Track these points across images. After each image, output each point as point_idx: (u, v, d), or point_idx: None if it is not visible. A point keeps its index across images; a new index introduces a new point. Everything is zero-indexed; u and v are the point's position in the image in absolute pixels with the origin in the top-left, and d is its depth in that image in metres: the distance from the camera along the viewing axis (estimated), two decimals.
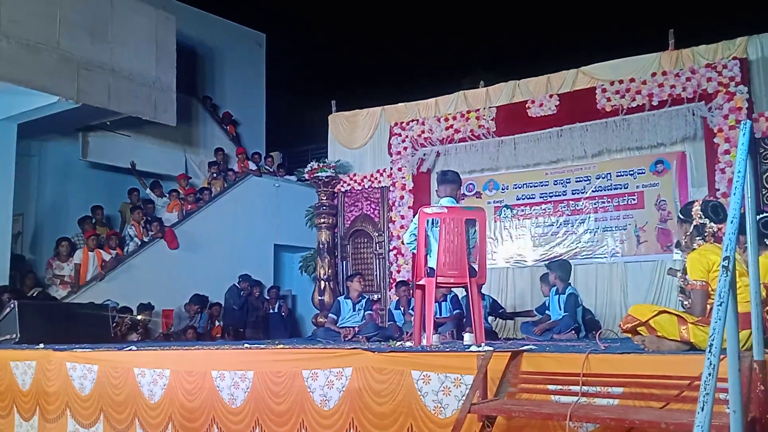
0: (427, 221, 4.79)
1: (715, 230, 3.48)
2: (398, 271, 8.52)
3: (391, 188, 8.84)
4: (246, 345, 5.37)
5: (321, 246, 9.11)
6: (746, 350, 2.44)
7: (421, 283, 4.82)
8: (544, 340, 5.96)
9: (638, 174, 7.64)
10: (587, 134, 7.71)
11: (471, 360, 3.36)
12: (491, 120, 8.15)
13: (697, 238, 3.51)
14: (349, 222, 9.26)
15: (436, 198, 5.64)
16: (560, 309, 6.56)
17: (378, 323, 7.73)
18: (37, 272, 9.06)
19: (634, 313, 3.46)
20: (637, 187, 7.62)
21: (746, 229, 2.31)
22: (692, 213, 3.56)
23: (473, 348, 3.85)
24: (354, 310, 7.54)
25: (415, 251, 4.94)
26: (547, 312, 6.79)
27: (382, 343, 5.98)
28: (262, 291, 10.39)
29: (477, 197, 8.55)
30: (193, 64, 12.70)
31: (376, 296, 8.67)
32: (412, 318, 5.42)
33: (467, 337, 5.04)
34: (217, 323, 9.69)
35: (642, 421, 2.56)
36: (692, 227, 3.55)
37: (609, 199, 7.77)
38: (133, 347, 5.49)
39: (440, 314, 6.85)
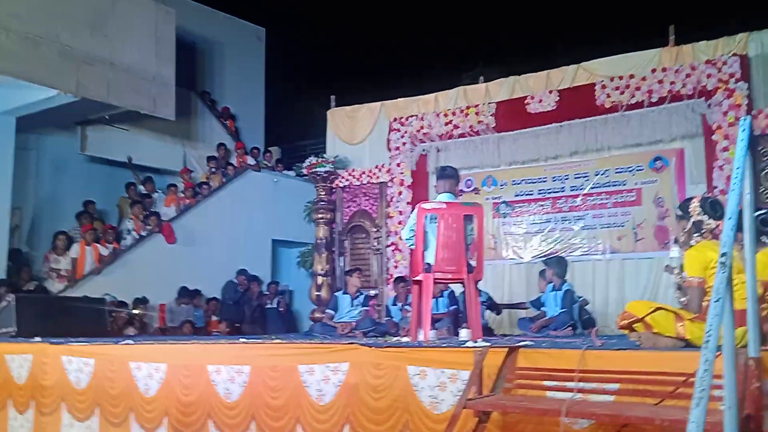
0: (426, 217, 4.78)
1: (713, 227, 3.46)
2: (396, 267, 8.52)
3: (390, 184, 8.82)
4: (242, 340, 5.35)
5: (319, 241, 9.10)
6: (742, 347, 2.43)
7: (418, 278, 4.81)
8: (541, 337, 5.95)
9: (637, 171, 7.63)
10: (586, 130, 7.72)
11: (467, 356, 3.35)
12: (491, 116, 8.14)
13: (695, 234, 3.49)
14: (347, 217, 9.25)
15: (434, 194, 5.63)
16: (556, 305, 6.56)
17: (375, 319, 7.73)
18: (34, 266, 9.05)
19: (631, 310, 3.45)
20: (636, 183, 7.62)
21: (744, 226, 2.29)
22: (690, 209, 3.54)
23: (469, 344, 3.84)
24: (352, 306, 7.52)
25: (413, 247, 4.93)
26: (543, 308, 6.79)
27: (379, 338, 5.97)
28: (260, 286, 10.37)
29: (475, 193, 8.55)
30: (192, 59, 12.66)
31: (373, 292, 8.65)
32: (409, 313, 5.42)
33: (464, 333, 5.04)
34: (213, 318, 9.69)
35: (637, 417, 2.56)
36: (690, 224, 3.52)
37: (607, 196, 7.77)
38: (130, 341, 5.48)
39: (437, 310, 6.84)
